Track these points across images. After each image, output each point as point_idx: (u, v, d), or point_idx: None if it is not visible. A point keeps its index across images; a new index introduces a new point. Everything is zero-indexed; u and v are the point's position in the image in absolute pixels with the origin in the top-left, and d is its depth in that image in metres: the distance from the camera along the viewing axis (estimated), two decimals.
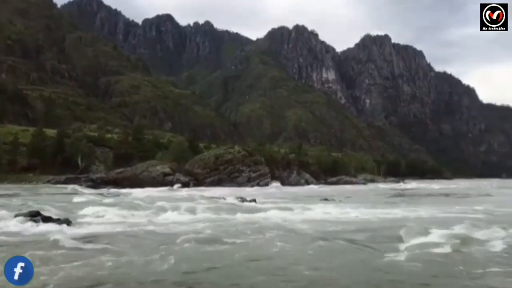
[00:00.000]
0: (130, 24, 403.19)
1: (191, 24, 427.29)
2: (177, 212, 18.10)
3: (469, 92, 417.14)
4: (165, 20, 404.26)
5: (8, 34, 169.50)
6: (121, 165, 64.23)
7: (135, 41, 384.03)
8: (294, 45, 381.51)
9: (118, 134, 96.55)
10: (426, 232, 11.48)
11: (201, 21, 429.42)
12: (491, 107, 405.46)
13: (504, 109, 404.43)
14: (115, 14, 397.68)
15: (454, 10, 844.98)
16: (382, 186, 73.98)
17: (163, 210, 18.42)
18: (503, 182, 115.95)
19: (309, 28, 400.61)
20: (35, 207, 17.10)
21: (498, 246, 10.31)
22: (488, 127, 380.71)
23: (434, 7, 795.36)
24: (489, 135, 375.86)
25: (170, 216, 16.95)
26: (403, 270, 8.07)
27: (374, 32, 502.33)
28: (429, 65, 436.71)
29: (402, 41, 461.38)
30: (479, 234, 11.64)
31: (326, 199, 31.82)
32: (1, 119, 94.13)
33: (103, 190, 40.67)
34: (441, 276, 7.78)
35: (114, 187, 46.12)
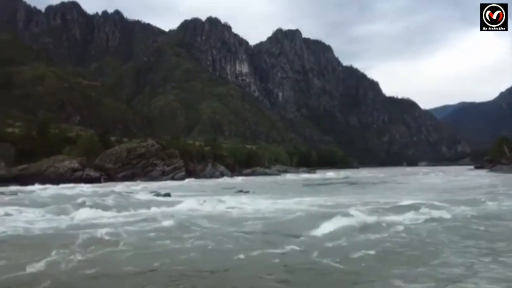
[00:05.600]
0: (31, 11, 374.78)
1: (100, 13, 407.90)
2: (88, 208, 17.44)
3: (374, 86, 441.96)
4: (71, 8, 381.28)
5: None
6: (25, 162, 60.19)
7: (38, 30, 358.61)
8: (207, 38, 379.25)
9: (20, 128, 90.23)
10: (328, 221, 12.07)
11: (110, 10, 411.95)
12: (393, 100, 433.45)
13: (405, 102, 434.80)
14: (14, 0, 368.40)
15: (364, 8, 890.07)
16: (294, 177, 76.42)
17: (71, 208, 17.62)
18: (402, 170, 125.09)
19: (222, 20, 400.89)
20: None
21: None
22: (390, 118, 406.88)
23: (344, 5, 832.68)
24: (391, 126, 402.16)
25: (75, 214, 16.08)
26: (308, 260, 8.47)
27: (286, 27, 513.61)
28: (337, 59, 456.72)
29: (312, 36, 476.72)
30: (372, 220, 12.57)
31: (240, 191, 32.35)
32: None
33: (3, 188, 37.89)
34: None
35: (17, 185, 43.16)
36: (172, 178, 60.57)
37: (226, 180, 61.84)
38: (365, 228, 11.38)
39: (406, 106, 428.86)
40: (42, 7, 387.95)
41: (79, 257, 8.58)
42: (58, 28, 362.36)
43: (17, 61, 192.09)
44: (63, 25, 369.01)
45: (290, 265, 7.90)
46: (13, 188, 38.80)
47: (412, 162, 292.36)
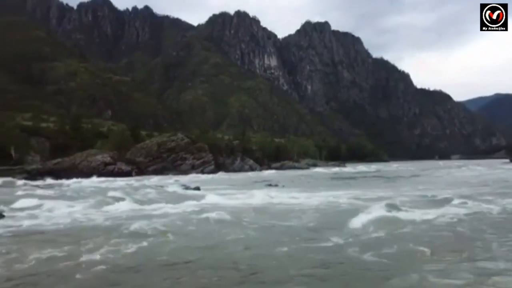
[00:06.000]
0: (64, 8, 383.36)
1: (130, 8, 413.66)
2: (121, 201, 17.68)
3: (404, 77, 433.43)
4: (102, 5, 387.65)
5: None
6: (59, 156, 61.72)
7: (70, 26, 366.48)
8: (236, 31, 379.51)
9: (54, 123, 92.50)
10: (364, 215, 11.81)
11: (140, 6, 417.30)
12: (424, 92, 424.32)
13: (436, 94, 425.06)
14: None
15: None
16: (324, 170, 75.75)
17: (105, 201, 17.88)
18: (434, 164, 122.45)
19: (251, 14, 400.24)
20: None
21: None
22: (422, 111, 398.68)
23: None
24: (423, 119, 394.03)
25: (113, 207, 16.48)
26: (346, 255, 8.28)
27: (314, 19, 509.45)
28: (367, 51, 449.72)
29: (341, 29, 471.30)
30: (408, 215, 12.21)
31: (270, 185, 32.21)
32: None
33: (39, 182, 38.89)
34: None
35: (52, 178, 44.22)
36: (202, 172, 60.92)
37: (255, 173, 61.83)
38: (401, 221, 11.07)
39: (438, 98, 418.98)
40: (74, 4, 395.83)
41: (130, 248, 8.79)
42: (89, 25, 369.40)
43: (50, 57, 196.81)
44: (94, 21, 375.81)
45: (327, 259, 7.74)
46: (49, 181, 39.78)
47: (445, 155, 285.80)
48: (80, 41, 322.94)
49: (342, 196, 19.76)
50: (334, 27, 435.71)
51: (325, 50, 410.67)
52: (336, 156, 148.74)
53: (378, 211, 12.14)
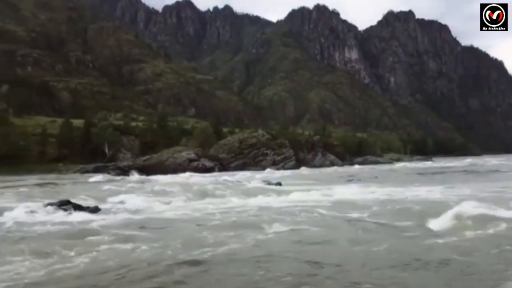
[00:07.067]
0: (150, 12, 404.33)
1: (211, 9, 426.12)
2: (207, 197, 18.30)
3: (498, 65, 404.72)
4: (185, 6, 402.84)
5: (32, 27, 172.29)
6: (147, 152, 65.26)
7: (156, 29, 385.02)
8: (315, 26, 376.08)
9: (143, 122, 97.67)
10: (456, 212, 11.18)
11: (220, 6, 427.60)
12: None
13: None
14: (135, 2, 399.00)
15: None
16: (409, 165, 72.90)
17: (193, 195, 18.57)
18: None
19: (330, 7, 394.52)
20: (65, 196, 17.45)
21: None
22: None
23: None
24: None
25: (200, 202, 17.08)
26: (442, 255, 7.92)
27: (397, 9, 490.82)
28: (455, 39, 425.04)
29: (426, 17, 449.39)
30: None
31: (352, 180, 31.64)
32: (28, 111, 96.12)
33: (131, 178, 41.25)
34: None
35: (142, 174, 46.72)
36: (283, 168, 61.20)
37: (336, 169, 60.91)
38: (492, 222, 10.32)
39: None
40: (159, 7, 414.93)
41: (248, 239, 9.07)
42: (173, 26, 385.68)
43: (139, 59, 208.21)
44: (178, 23, 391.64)
45: (406, 259, 7.40)
46: (139, 177, 42.03)
47: None
48: (165, 42, 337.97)
49: (432, 191, 18.90)
50: (418, 15, 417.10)
51: (409, 40, 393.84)
52: (423, 151, 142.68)
53: (471, 207, 11.43)
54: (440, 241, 8.70)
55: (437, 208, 11.92)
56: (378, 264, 7.14)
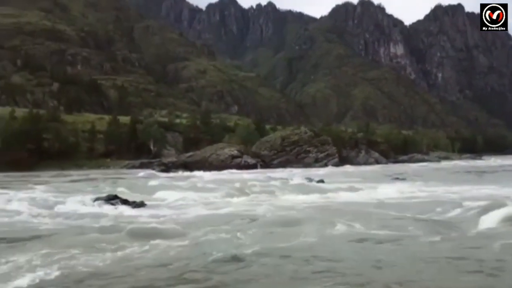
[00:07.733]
0: (194, 10, 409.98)
1: (254, 6, 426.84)
2: (250, 194, 18.37)
3: None
4: (228, 4, 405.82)
5: (81, 26, 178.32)
6: (191, 149, 66.33)
7: (200, 27, 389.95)
8: (359, 21, 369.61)
9: (187, 119, 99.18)
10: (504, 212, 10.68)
11: (263, 3, 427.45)
12: None
13: None
14: (179, 1, 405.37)
15: None
16: (458, 163, 70.52)
17: (237, 192, 18.67)
18: None
19: (375, 2, 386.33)
20: (113, 191, 17.95)
21: None
22: None
23: None
24: None
25: (246, 198, 17.20)
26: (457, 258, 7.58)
27: (446, 2, 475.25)
28: (507, 33, 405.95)
29: (476, 10, 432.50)
30: None
31: (397, 178, 30.93)
32: (78, 108, 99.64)
33: (175, 174, 42.02)
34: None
35: (185, 170, 47.51)
36: (325, 165, 60.62)
37: (381, 166, 59.78)
38: None
39: None
40: (203, 5, 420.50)
41: (305, 235, 9.10)
42: (217, 24, 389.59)
43: (183, 57, 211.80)
44: (221, 20, 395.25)
45: (443, 261, 7.09)
46: (183, 173, 42.74)
47: None
48: (208, 40, 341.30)
49: (476, 192, 18.20)
50: (468, 8, 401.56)
51: (458, 34, 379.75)
52: (472, 149, 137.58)
53: None
54: (482, 242, 8.31)
55: (491, 208, 11.41)
56: (443, 268, 6.87)
